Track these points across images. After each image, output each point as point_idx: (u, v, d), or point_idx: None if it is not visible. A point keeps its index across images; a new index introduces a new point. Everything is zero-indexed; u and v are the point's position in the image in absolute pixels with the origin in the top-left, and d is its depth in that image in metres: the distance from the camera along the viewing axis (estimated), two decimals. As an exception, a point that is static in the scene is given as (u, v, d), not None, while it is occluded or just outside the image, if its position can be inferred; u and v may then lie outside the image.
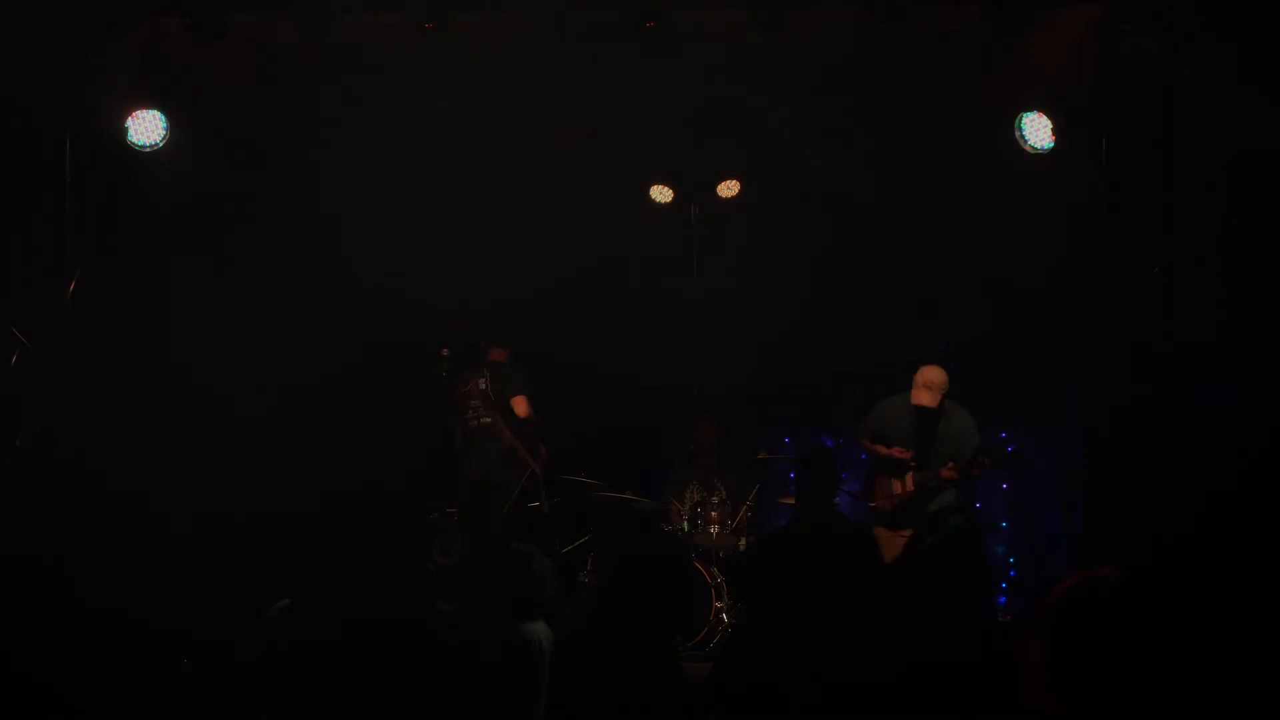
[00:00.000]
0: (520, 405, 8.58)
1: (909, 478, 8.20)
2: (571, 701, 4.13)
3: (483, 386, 8.65)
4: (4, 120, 7.88)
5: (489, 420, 8.57)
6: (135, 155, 8.17)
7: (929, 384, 8.13)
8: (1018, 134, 7.91)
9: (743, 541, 8.63)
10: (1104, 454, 7.83)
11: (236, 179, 8.51)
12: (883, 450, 8.25)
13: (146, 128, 8.11)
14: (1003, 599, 9.46)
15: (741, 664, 4.29)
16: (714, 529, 8.65)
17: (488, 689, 4.31)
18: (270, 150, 8.44)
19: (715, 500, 8.75)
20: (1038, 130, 7.89)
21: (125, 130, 8.10)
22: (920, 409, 8.13)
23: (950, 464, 8.00)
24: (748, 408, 9.67)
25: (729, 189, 9.39)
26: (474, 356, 8.74)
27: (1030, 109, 7.89)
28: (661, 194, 9.46)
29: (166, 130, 8.13)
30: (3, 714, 5.79)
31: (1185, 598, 3.28)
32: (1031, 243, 8.30)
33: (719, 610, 8.24)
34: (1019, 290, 8.67)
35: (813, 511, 6.41)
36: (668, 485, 9.20)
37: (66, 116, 8.09)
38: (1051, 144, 7.88)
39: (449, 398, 8.73)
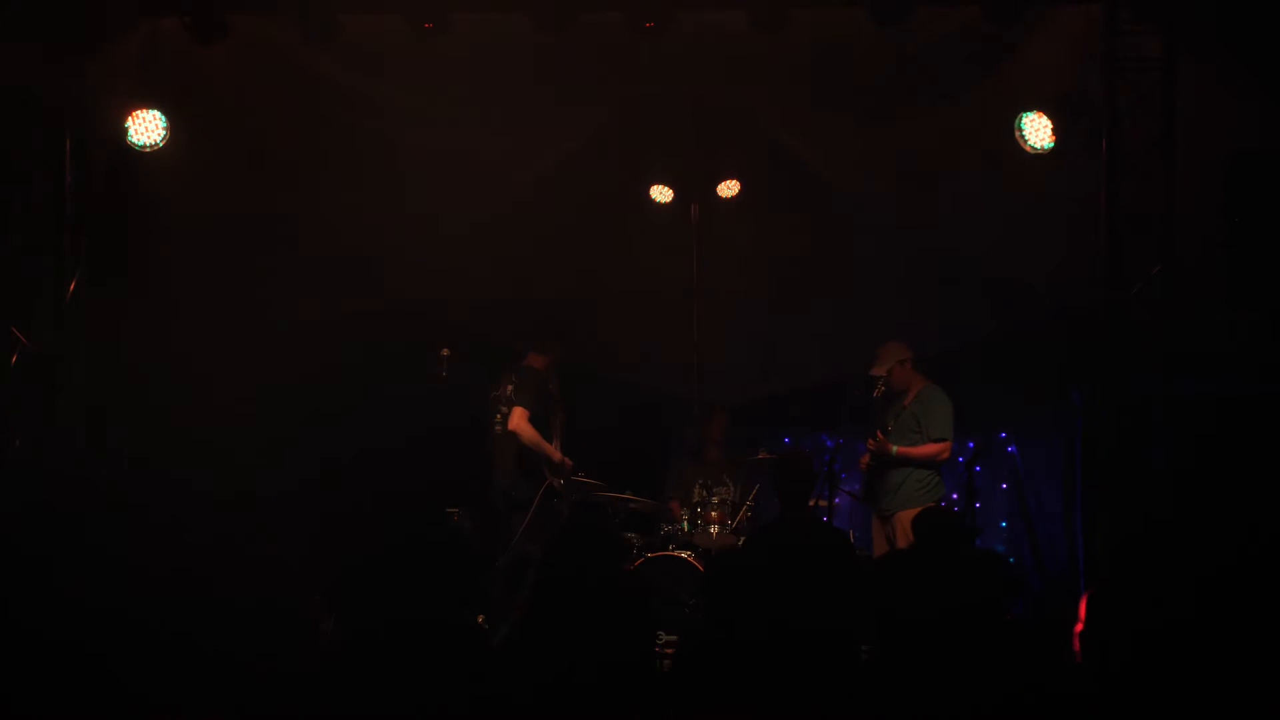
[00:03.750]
0: (513, 417, 8.33)
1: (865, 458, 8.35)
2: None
3: (509, 392, 8.49)
4: (4, 120, 7.88)
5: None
6: (135, 155, 8.17)
7: (880, 355, 8.28)
8: (1018, 134, 7.91)
9: (742, 541, 8.63)
10: (1104, 454, 7.83)
11: (236, 179, 8.50)
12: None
13: (146, 128, 8.12)
14: (1002, 599, 9.45)
15: (712, 661, 4.33)
16: (714, 529, 8.65)
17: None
18: (270, 150, 8.44)
19: (716, 500, 8.75)
20: (1038, 130, 7.90)
21: (125, 130, 8.10)
22: (880, 382, 8.22)
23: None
24: (748, 408, 9.67)
25: (729, 189, 9.39)
26: (513, 358, 8.62)
27: (1030, 109, 7.90)
28: (661, 194, 9.46)
29: (166, 130, 8.13)
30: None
31: (1186, 597, 3.29)
32: (1031, 242, 8.30)
33: (719, 610, 8.23)
34: (1019, 290, 8.67)
35: (791, 513, 6.63)
36: (671, 484, 9.19)
37: (66, 116, 8.09)
38: (1051, 144, 7.88)
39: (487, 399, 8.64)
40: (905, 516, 7.97)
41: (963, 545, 6.61)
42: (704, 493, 8.94)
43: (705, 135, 9.00)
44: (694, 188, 9.45)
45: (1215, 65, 7.74)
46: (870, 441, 8.10)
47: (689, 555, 8.45)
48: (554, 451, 8.44)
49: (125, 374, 8.25)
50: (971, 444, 8.79)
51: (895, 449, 8.03)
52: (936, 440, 8.09)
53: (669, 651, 7.77)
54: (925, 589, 4.08)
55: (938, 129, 8.24)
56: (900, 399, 8.21)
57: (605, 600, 4.33)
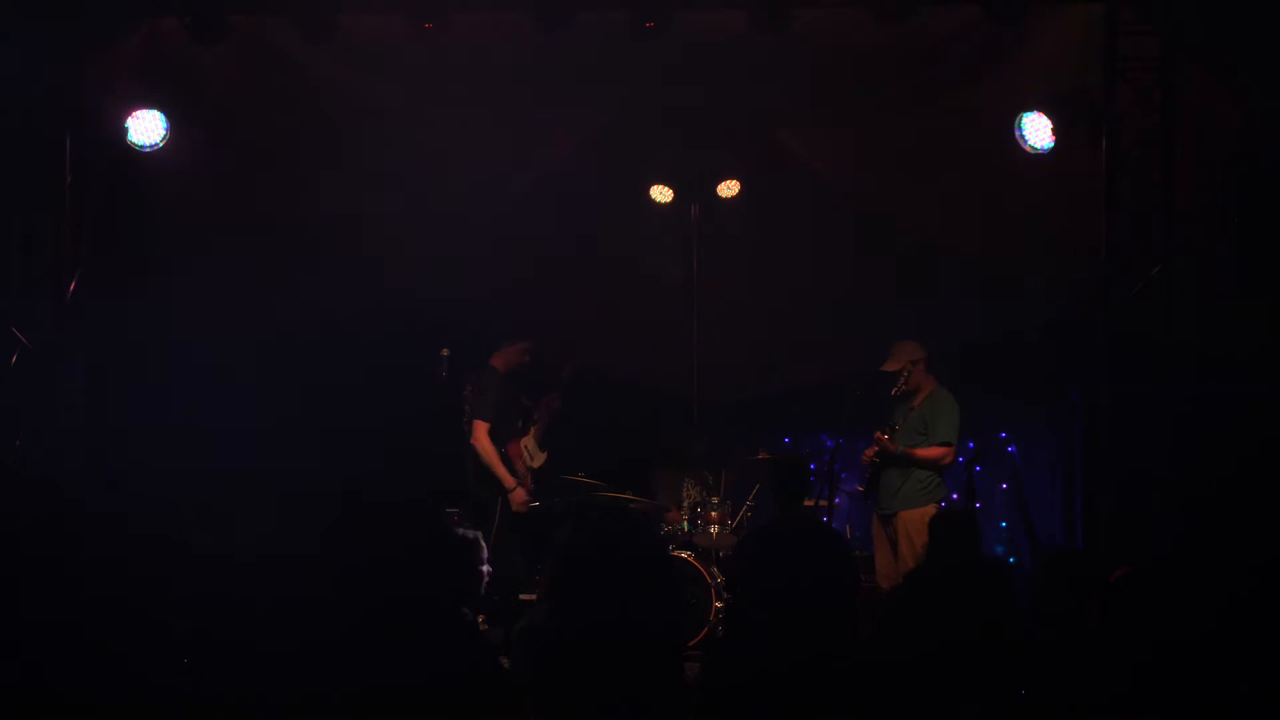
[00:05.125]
0: (474, 431, 8.30)
1: (870, 453, 8.30)
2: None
3: (468, 392, 8.48)
4: (4, 120, 7.89)
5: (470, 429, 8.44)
6: (135, 155, 8.17)
7: (893, 352, 8.22)
8: (1018, 134, 7.92)
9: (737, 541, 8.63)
10: (1104, 454, 7.84)
11: (236, 179, 8.51)
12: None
13: (146, 128, 8.12)
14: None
15: (726, 658, 4.35)
16: (714, 529, 8.65)
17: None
18: (270, 150, 8.44)
19: (715, 500, 8.76)
20: (1038, 130, 7.90)
21: (125, 130, 8.10)
22: (890, 379, 8.20)
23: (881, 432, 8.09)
24: (748, 408, 9.67)
25: (729, 189, 9.39)
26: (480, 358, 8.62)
27: (1030, 109, 7.90)
28: (661, 194, 9.46)
29: (166, 130, 8.14)
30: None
31: (1185, 593, 3.30)
32: (1031, 242, 8.31)
33: (719, 610, 8.24)
34: (1019, 290, 8.68)
35: (788, 511, 6.67)
36: (659, 491, 9.19)
37: (66, 116, 8.09)
38: (1051, 144, 7.89)
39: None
40: (906, 517, 7.98)
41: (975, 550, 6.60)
42: (700, 491, 8.93)
43: (705, 135, 9.00)
44: (694, 188, 9.45)
45: (1215, 65, 7.74)
46: (878, 433, 8.08)
47: (689, 555, 8.46)
48: (506, 477, 8.33)
49: (125, 374, 8.24)
50: (971, 444, 8.79)
51: (900, 447, 8.02)
52: (941, 444, 8.08)
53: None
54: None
55: (938, 129, 8.24)
56: (910, 399, 8.22)
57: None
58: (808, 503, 8.45)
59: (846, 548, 7.14)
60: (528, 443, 8.71)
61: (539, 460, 8.76)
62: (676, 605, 4.64)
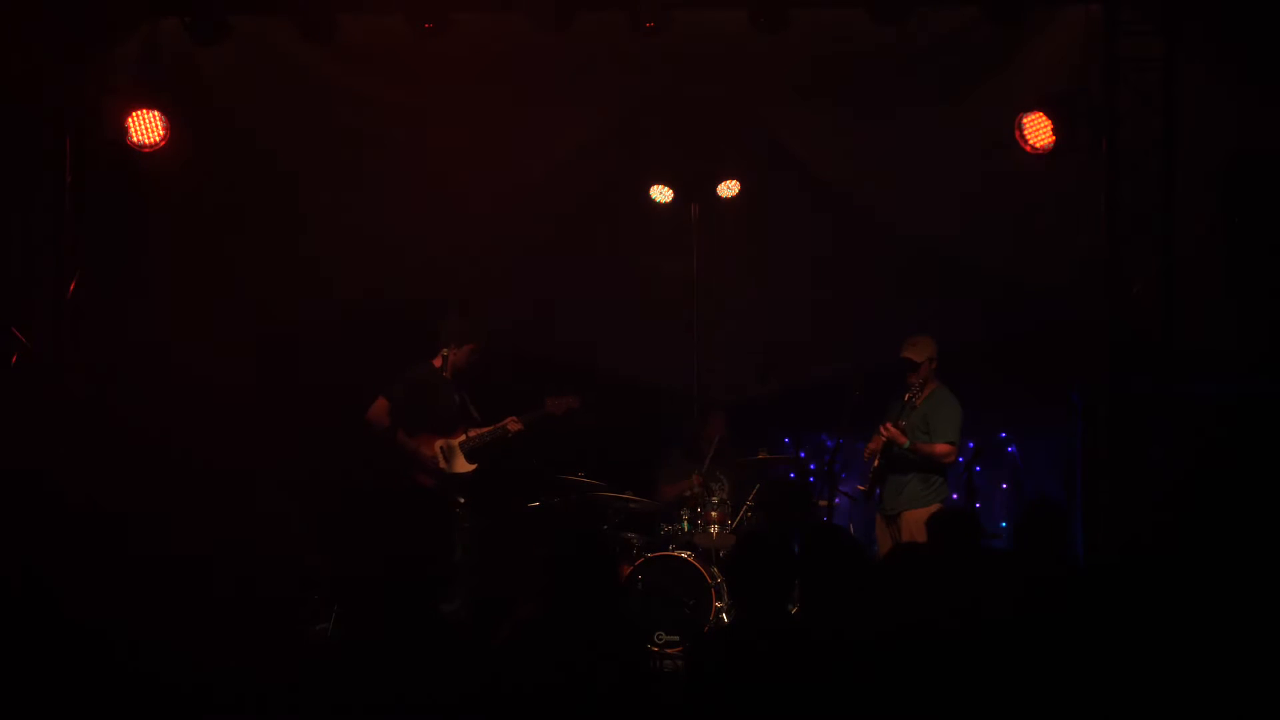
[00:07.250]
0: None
1: (874, 445, 8.24)
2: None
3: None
4: (4, 120, 7.89)
5: None
6: (135, 155, 8.18)
7: (915, 343, 8.14)
8: (1018, 134, 7.93)
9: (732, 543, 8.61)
10: (1104, 454, 7.83)
11: (236, 179, 8.51)
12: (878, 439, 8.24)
13: (146, 128, 8.13)
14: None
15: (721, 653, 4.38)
16: (714, 529, 8.64)
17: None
18: (271, 150, 8.44)
19: (715, 500, 8.75)
20: (1038, 130, 7.91)
21: (125, 130, 8.11)
22: (904, 366, 8.14)
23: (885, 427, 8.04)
24: (748, 408, 9.67)
25: (729, 189, 9.39)
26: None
27: (1030, 109, 7.91)
28: (661, 194, 9.46)
29: (166, 130, 8.14)
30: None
31: (1185, 593, 3.31)
32: (1031, 242, 8.31)
33: (719, 610, 8.24)
34: (1019, 290, 8.68)
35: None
36: (663, 474, 9.16)
37: (67, 116, 8.10)
38: (1051, 144, 7.89)
39: None
40: (910, 516, 7.96)
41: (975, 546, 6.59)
42: (701, 490, 8.93)
43: (705, 135, 9.00)
44: (694, 188, 9.45)
45: (1216, 65, 7.75)
46: (885, 427, 8.05)
47: (689, 555, 8.45)
48: (405, 443, 8.31)
49: (125, 374, 8.24)
50: (971, 444, 8.78)
51: (907, 442, 8.00)
52: (943, 443, 8.07)
53: (671, 651, 7.81)
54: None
55: (938, 129, 8.26)
56: (914, 397, 8.20)
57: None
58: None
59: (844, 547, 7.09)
60: (444, 444, 8.52)
61: (459, 467, 8.41)
62: None
